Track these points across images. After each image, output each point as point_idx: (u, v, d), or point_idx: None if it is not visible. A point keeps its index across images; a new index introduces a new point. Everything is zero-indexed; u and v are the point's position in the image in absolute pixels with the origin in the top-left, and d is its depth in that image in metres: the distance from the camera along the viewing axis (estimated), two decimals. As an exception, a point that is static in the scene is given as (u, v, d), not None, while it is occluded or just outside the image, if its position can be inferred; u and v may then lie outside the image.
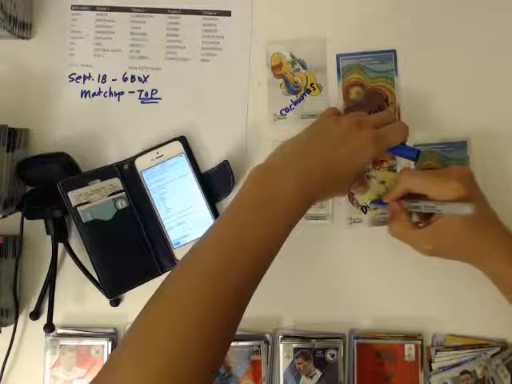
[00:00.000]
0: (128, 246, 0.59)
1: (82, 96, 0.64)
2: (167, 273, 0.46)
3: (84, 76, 0.64)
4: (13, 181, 0.59)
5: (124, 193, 0.60)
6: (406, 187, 0.54)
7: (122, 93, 0.63)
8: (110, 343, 0.60)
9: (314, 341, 0.59)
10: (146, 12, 0.64)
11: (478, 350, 0.58)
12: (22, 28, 0.62)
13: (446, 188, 0.51)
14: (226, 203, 0.61)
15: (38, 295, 0.60)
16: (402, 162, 0.61)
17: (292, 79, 0.62)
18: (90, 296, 0.61)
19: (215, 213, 0.60)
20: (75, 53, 0.64)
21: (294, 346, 0.59)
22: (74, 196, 0.58)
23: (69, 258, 0.61)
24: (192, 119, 0.63)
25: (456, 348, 0.58)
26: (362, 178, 0.59)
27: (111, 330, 0.61)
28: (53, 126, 0.63)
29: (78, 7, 0.64)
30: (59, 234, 0.60)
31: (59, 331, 0.61)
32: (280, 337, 0.60)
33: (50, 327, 0.58)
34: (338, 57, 0.62)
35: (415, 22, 0.62)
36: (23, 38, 0.63)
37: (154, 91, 0.63)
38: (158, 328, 0.41)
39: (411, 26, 0.62)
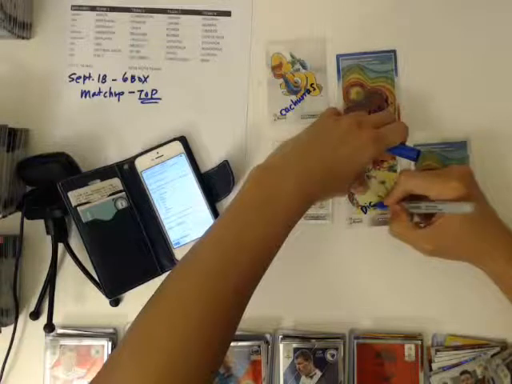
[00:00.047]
0: (128, 246, 0.59)
1: (81, 96, 0.64)
2: (167, 273, 0.46)
3: (84, 76, 0.64)
4: (13, 181, 0.59)
5: (124, 193, 0.60)
6: (406, 189, 0.54)
7: (122, 93, 0.63)
8: (110, 343, 0.60)
9: (313, 341, 0.59)
10: (145, 12, 0.64)
11: (477, 350, 0.58)
12: (22, 28, 0.62)
13: (446, 188, 0.51)
14: (226, 203, 0.61)
15: (38, 295, 0.60)
16: (402, 162, 0.61)
17: (292, 79, 0.62)
18: (89, 296, 0.61)
19: (215, 213, 0.60)
20: (75, 53, 0.64)
21: (294, 346, 0.59)
22: (74, 196, 0.58)
23: (69, 258, 0.61)
24: (192, 119, 0.62)
25: (456, 348, 0.58)
26: (362, 178, 0.59)
27: (111, 330, 0.61)
28: (53, 126, 0.63)
29: (77, 7, 0.64)
30: (59, 234, 0.60)
31: (59, 331, 0.61)
32: (280, 337, 0.59)
33: (49, 327, 0.58)
34: (338, 57, 0.62)
35: (415, 22, 0.62)
36: (23, 37, 0.63)
37: (154, 91, 0.63)
38: (158, 328, 0.41)
39: (411, 26, 0.62)
